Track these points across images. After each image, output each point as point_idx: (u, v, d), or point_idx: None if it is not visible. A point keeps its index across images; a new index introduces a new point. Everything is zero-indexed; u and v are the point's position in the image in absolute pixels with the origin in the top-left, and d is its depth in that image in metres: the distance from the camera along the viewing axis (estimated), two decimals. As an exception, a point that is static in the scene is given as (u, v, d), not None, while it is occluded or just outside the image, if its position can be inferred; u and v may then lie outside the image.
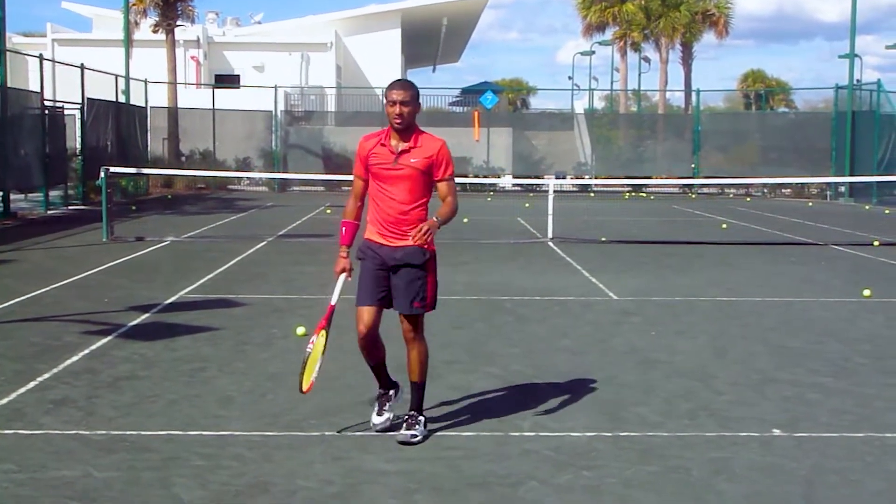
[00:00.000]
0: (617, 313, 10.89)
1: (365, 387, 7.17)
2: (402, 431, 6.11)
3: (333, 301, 6.10)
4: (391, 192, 6.04)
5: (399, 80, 6.24)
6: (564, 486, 5.43)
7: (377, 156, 6.07)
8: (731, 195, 36.14)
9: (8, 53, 23.18)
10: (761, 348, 9.10)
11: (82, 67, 26.96)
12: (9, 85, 22.24)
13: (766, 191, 36.32)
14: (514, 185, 36.49)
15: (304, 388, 5.99)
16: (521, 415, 6.76)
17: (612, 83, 60.97)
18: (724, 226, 22.26)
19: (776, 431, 6.45)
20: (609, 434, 6.34)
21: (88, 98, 27.11)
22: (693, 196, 35.79)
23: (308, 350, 5.95)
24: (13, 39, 40.64)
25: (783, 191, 36.00)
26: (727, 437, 6.31)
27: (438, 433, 6.30)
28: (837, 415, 6.88)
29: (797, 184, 34.86)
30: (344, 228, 6.21)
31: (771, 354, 8.83)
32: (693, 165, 36.53)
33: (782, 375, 8.00)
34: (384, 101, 5.92)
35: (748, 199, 34.55)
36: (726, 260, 15.82)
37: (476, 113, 38.40)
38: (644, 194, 36.02)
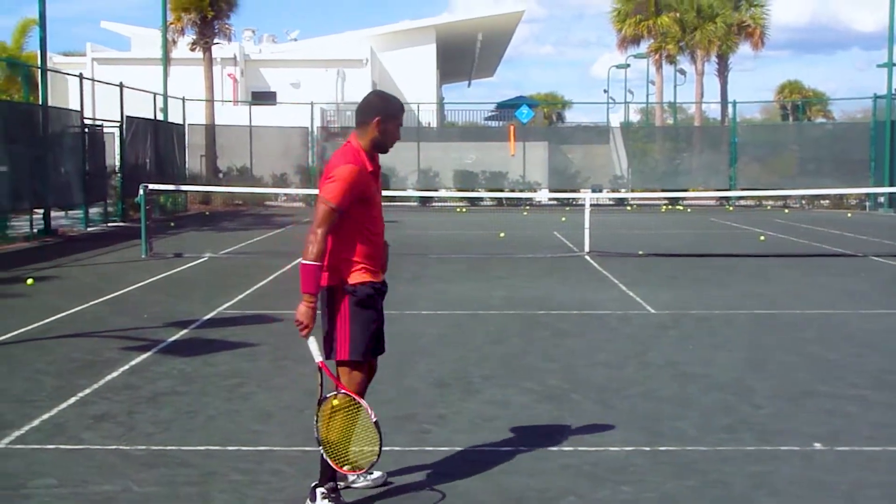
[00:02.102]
0: (654, 327, 10.85)
1: (402, 401, 7.19)
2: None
3: (321, 358, 5.14)
4: (379, 219, 5.30)
5: (397, 98, 5.41)
6: (602, 501, 5.41)
7: (371, 182, 5.19)
8: (769, 207, 35.91)
9: (49, 73, 23.49)
10: (800, 361, 9.03)
11: (121, 86, 27.26)
12: (50, 104, 22.54)
13: (804, 202, 36.06)
14: (550, 199, 36.43)
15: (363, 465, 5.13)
16: (558, 429, 6.74)
17: (647, 96, 60.86)
18: (762, 238, 22.11)
19: (817, 445, 6.40)
20: (647, 448, 6.32)
21: (127, 116, 27.41)
22: (730, 208, 35.60)
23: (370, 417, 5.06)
24: (54, 59, 41.19)
25: (821, 202, 35.72)
26: (767, 451, 6.27)
27: (476, 448, 6.30)
28: (879, 428, 6.81)
29: (835, 195, 34.53)
30: (315, 272, 5.04)
31: (810, 367, 8.76)
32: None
33: (822, 388, 7.94)
34: (385, 119, 5.15)
35: (786, 210, 34.31)
36: (764, 272, 15.71)
37: (511, 127, 38.43)
38: (681, 207, 35.86)
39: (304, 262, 5.00)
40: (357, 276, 5.17)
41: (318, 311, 5.18)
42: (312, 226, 5.02)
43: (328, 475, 5.20)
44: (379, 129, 5.14)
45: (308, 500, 5.27)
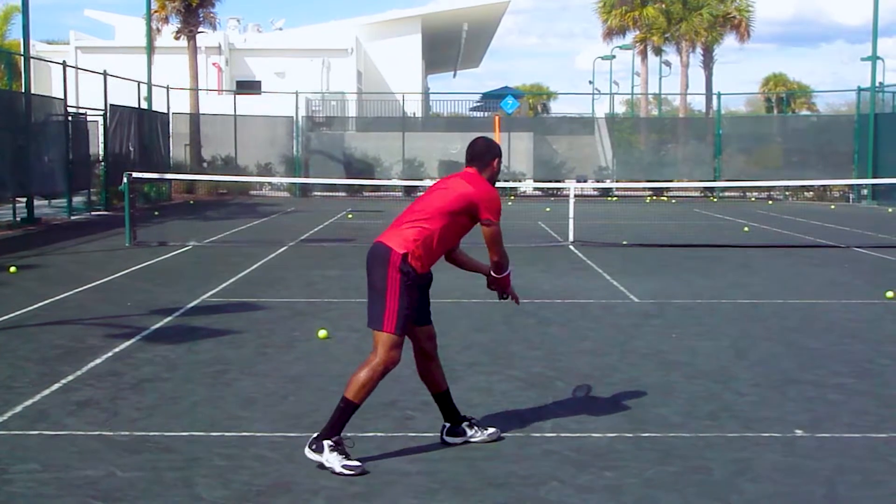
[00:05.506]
0: (638, 316, 10.88)
1: (383, 389, 7.19)
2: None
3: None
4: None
5: None
6: (585, 487, 5.44)
7: None
8: (753, 198, 36.01)
9: (32, 61, 23.35)
10: (783, 350, 9.07)
11: (105, 74, 27.12)
12: (33, 92, 22.42)
13: (788, 194, 36.17)
14: (535, 189, 36.45)
15: None
16: (542, 416, 6.77)
17: (632, 87, 60.89)
18: (746, 229, 22.19)
19: (798, 432, 6.44)
20: (630, 435, 6.34)
21: (111, 104, 27.28)
22: (714, 199, 35.69)
23: None
24: (37, 47, 40.93)
25: (805, 194, 35.85)
26: (749, 438, 6.30)
27: (460, 434, 6.31)
28: (860, 415, 6.85)
29: (819, 186, 34.68)
30: (510, 276, 6.23)
31: (793, 356, 8.80)
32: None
33: (804, 376, 7.98)
34: (500, 160, 6.32)
35: (770, 202, 34.42)
36: (748, 263, 15.77)
37: (497, 118, 38.38)
38: (665, 198, 35.93)
39: (501, 275, 6.11)
40: (416, 263, 5.69)
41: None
42: (496, 248, 5.96)
43: (338, 428, 5.62)
44: (497, 167, 6.20)
45: (309, 450, 5.62)
